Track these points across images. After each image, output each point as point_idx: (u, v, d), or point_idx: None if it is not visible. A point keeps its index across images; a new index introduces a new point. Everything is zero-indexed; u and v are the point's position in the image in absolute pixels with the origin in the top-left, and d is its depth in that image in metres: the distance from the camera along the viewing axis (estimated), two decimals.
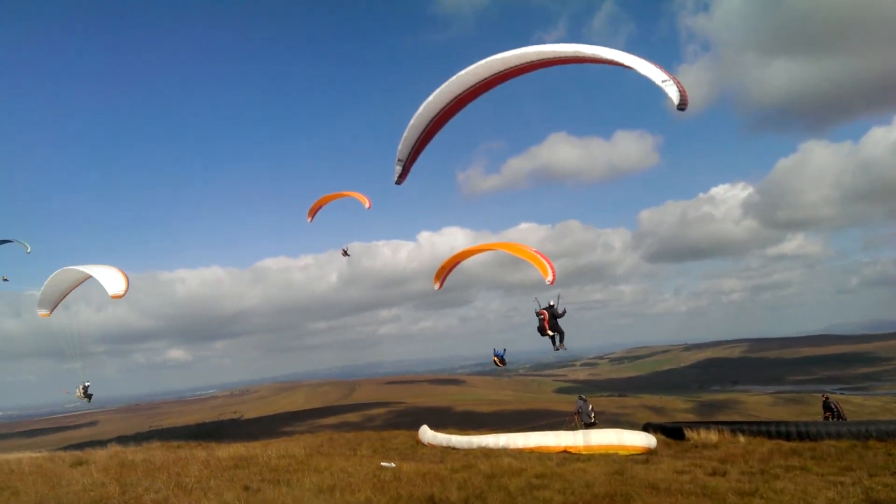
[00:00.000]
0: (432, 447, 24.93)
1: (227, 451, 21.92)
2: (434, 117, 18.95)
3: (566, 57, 16.15)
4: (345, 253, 30.39)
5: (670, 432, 24.60)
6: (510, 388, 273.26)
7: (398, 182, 20.51)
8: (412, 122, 19.16)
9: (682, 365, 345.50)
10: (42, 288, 27.71)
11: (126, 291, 25.58)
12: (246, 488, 13.38)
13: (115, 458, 20.60)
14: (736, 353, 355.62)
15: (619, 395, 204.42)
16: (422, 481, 14.31)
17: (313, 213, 28.10)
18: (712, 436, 22.32)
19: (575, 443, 20.86)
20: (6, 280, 39.60)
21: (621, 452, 20.10)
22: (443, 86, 18.22)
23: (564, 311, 22.77)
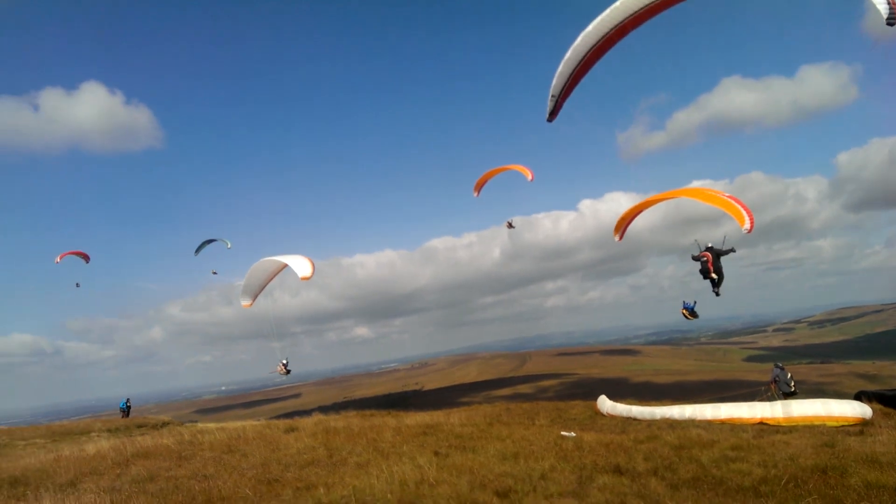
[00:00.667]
0: (611, 417, 24.45)
1: (413, 419, 23.51)
2: (593, 46, 17.88)
3: None
4: (510, 225, 30.54)
5: (890, 401, 21.47)
6: (691, 357, 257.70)
7: (550, 119, 19.89)
8: (568, 54, 18.34)
9: None
10: (244, 280, 31.15)
11: (313, 274, 27.98)
12: (436, 453, 14.25)
13: (320, 425, 23.05)
14: None
15: (822, 362, 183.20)
16: (605, 451, 14.13)
17: (479, 187, 28.54)
18: None
19: (773, 414, 19.08)
20: (216, 273, 45.75)
21: (829, 424, 17.98)
22: (603, 14, 17.16)
23: (732, 250, 20.81)
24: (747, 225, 20.37)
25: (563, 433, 17.76)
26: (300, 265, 27.55)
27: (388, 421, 23.32)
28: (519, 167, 26.56)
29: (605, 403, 25.67)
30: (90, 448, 22.75)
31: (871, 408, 19.29)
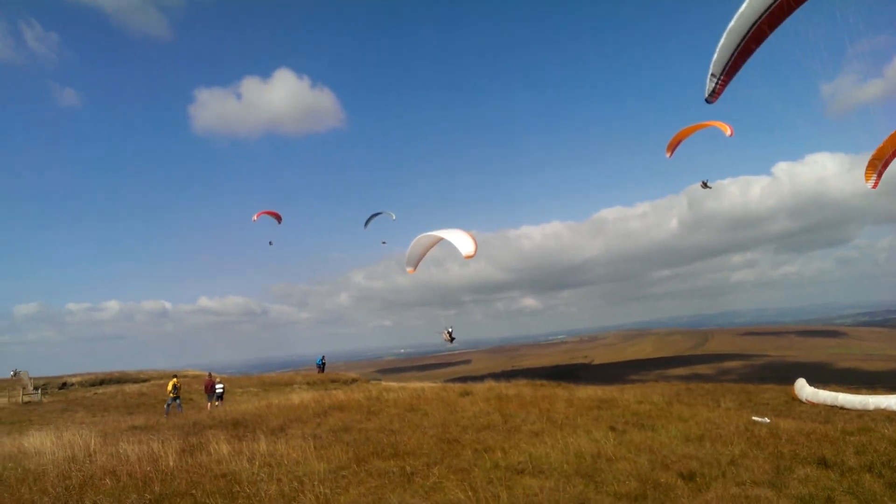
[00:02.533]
0: (812, 405, 21.96)
1: (585, 392, 23.17)
2: (761, 16, 15.39)
3: None
4: (705, 185, 28.15)
5: None
6: None
7: (710, 100, 17.99)
8: (732, 24, 15.93)
9: None
10: (407, 250, 32.80)
11: (475, 252, 28.46)
12: (612, 429, 13.91)
13: (492, 391, 23.71)
14: None
15: None
16: (807, 440, 12.69)
17: (672, 147, 26.57)
18: None
19: None
20: (385, 243, 48.96)
21: None
22: None
23: None
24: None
25: (754, 418, 16.31)
26: (463, 242, 28.11)
27: (558, 392, 23.24)
28: (717, 123, 24.15)
29: (805, 389, 23.12)
30: (294, 398, 25.83)
31: None
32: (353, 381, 51.55)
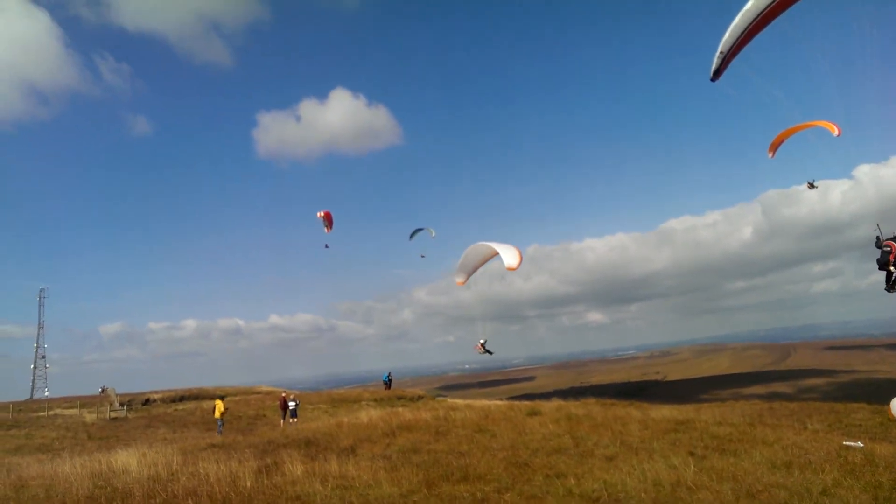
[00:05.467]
0: None
1: (659, 412, 22.33)
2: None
3: None
4: (811, 185, 26.83)
5: None
6: None
7: (714, 78, 17.88)
8: (748, 4, 16.00)
9: None
10: (460, 259, 32.66)
11: (519, 266, 28.20)
12: (691, 454, 13.28)
13: (561, 410, 23.23)
14: None
15: None
16: None
17: (775, 147, 25.44)
18: None
19: None
20: (423, 257, 49.57)
21: None
22: None
23: None
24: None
25: (846, 442, 15.22)
26: (509, 255, 28.05)
27: (631, 412, 22.50)
28: (824, 123, 22.94)
29: None
30: (363, 416, 26.17)
31: None
32: (419, 397, 51.81)
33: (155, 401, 51.63)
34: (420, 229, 44.99)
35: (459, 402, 43.92)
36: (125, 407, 47.09)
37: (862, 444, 14.85)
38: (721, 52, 17.49)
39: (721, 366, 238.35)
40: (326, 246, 48.92)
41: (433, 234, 44.89)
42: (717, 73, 18.05)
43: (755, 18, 16.35)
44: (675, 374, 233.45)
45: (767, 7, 15.92)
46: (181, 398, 53.26)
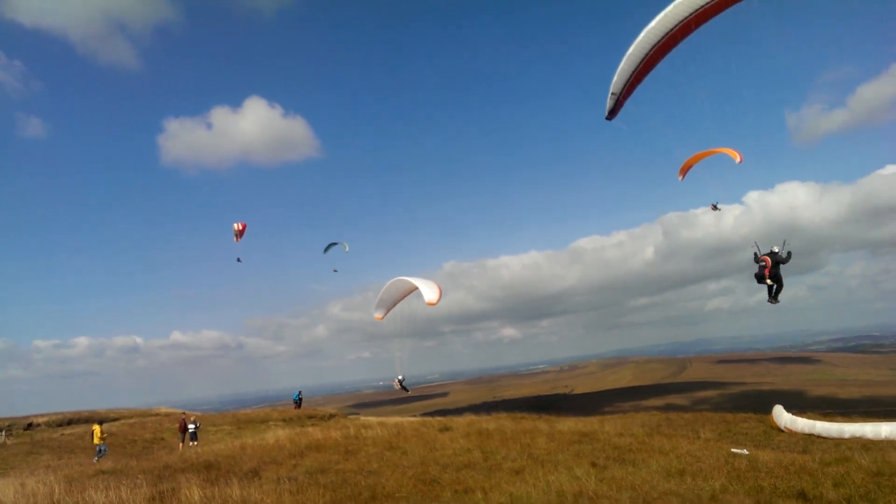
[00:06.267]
0: (790, 434, 22.08)
1: (566, 424, 23.02)
2: (656, 43, 17.06)
3: None
4: (714, 208, 28.68)
5: None
6: (886, 366, 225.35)
7: (609, 117, 19.13)
8: (631, 49, 17.50)
9: None
10: (379, 293, 32.54)
11: (439, 301, 28.57)
12: (593, 464, 13.76)
13: (473, 425, 23.40)
14: None
15: None
16: (785, 473, 12.71)
17: (685, 171, 27.38)
18: None
19: None
20: (336, 271, 49.40)
21: None
22: (668, 8, 16.38)
23: (789, 255, 19.60)
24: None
25: (733, 450, 16.32)
26: (429, 290, 28.33)
27: (539, 425, 23.04)
28: (729, 150, 25.05)
29: (783, 416, 23.28)
30: (269, 437, 25.17)
31: None
32: (331, 416, 50.55)
33: (39, 425, 47.15)
34: (334, 243, 44.43)
35: (372, 419, 43.31)
36: (3, 432, 42.79)
37: (747, 452, 15.98)
38: (613, 94, 18.66)
39: (624, 379, 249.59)
40: (238, 259, 47.21)
41: (347, 249, 44.45)
42: (612, 112, 19.15)
43: (639, 63, 17.74)
44: (582, 387, 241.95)
45: (650, 52, 17.36)
46: (69, 422, 48.94)
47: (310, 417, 48.73)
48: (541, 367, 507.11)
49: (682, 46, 16.95)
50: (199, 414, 48.22)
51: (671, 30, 16.89)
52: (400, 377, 33.41)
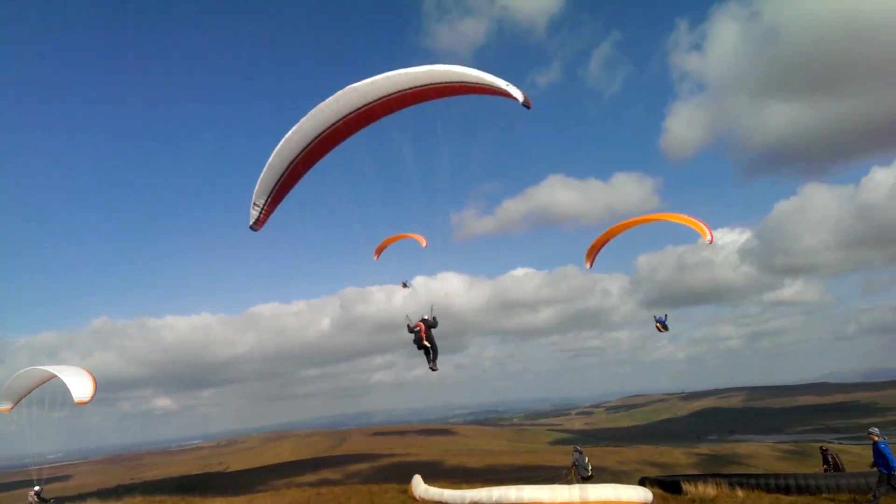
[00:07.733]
0: (424, 502, 24.23)
1: None
2: (297, 156, 17.21)
3: (423, 84, 15.38)
4: (404, 285, 30.12)
5: (668, 486, 24.11)
6: (504, 437, 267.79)
7: (254, 228, 18.60)
8: (271, 160, 17.33)
9: (679, 414, 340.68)
10: (7, 382, 26.95)
11: (91, 398, 24.86)
12: None
13: None
14: (734, 401, 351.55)
15: (616, 446, 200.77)
16: None
17: (379, 252, 28.78)
18: (710, 490, 21.90)
19: (570, 498, 20.25)
20: None
21: None
22: (303, 120, 16.54)
23: (435, 320, 20.86)
24: (708, 236, 24.27)
25: None
26: (78, 385, 24.34)
27: None
28: (417, 236, 27.84)
29: (419, 487, 25.51)
30: None
31: (653, 492, 21.46)
32: None
33: None
34: None
35: None
36: None
37: None
38: (255, 204, 18.02)
39: (284, 453, 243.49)
40: None
41: None
42: (258, 221, 18.39)
43: (282, 174, 17.49)
44: (238, 463, 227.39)
45: (292, 163, 17.27)
46: None
47: None
48: (196, 441, 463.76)
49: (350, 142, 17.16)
50: None
51: (314, 140, 16.77)
52: (37, 488, 29.19)
